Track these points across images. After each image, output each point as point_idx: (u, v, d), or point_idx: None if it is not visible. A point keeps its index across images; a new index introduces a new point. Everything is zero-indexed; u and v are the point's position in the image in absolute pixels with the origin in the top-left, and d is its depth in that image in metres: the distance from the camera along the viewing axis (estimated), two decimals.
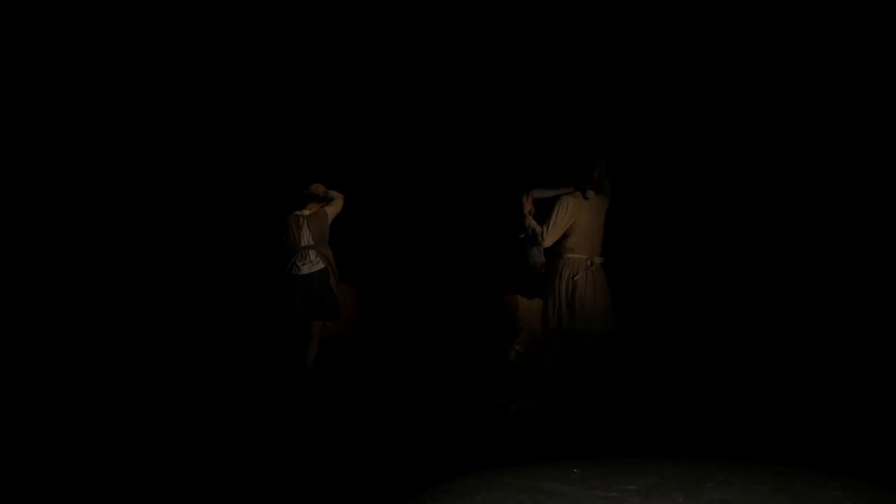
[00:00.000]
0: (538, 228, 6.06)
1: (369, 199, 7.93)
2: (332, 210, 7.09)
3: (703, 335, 7.10)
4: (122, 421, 6.12)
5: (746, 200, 7.44)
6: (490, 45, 8.02)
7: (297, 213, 7.10)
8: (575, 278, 5.98)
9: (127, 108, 8.19)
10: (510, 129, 8.11)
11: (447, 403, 6.62)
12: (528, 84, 8.08)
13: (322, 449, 5.38)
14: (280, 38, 8.10)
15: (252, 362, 7.62)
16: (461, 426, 5.95)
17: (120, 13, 7.80)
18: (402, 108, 8.33)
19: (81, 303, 7.95)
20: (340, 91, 8.26)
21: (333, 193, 7.13)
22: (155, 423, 6.07)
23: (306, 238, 6.99)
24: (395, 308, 8.25)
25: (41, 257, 7.93)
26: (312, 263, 6.95)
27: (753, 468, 4.61)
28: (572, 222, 6.02)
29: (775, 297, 7.13)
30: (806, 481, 4.37)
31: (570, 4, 7.64)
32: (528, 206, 6.20)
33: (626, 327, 6.41)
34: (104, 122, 8.16)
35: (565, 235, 6.04)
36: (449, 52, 8.09)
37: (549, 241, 6.03)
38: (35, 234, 7.89)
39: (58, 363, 7.51)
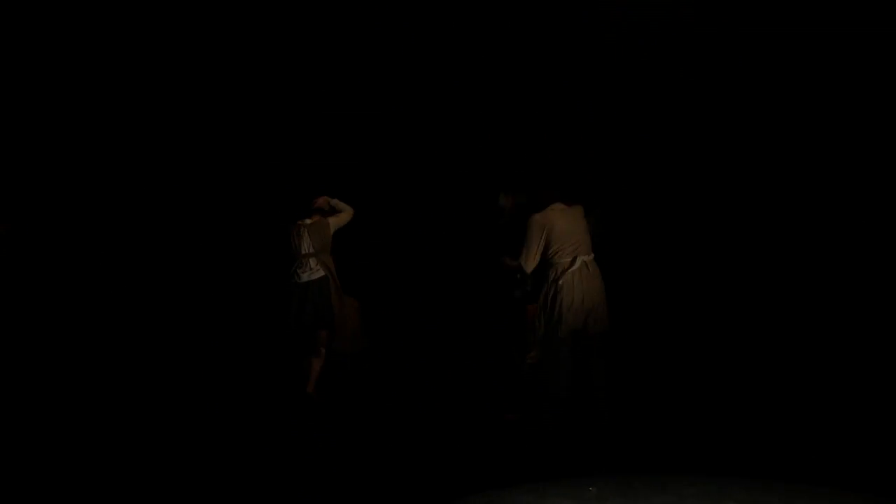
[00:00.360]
0: (516, 264, 5.88)
1: (373, 204, 7.72)
2: (336, 221, 6.96)
3: (724, 344, 6.85)
4: (125, 428, 5.99)
5: (746, 201, 7.24)
6: (489, 46, 7.84)
7: (300, 222, 6.98)
8: (559, 282, 5.73)
9: (127, 111, 8.00)
10: (511, 130, 7.89)
11: (456, 419, 6.33)
12: (528, 84, 7.87)
13: (326, 466, 5.13)
14: (280, 39, 7.92)
15: (256, 372, 7.43)
16: (470, 442, 5.66)
17: (120, 13, 7.66)
18: (402, 108, 8.13)
19: (83, 307, 7.75)
20: (340, 91, 8.07)
21: (342, 206, 7.00)
22: (159, 436, 5.86)
23: (307, 246, 6.87)
24: (403, 319, 8.00)
25: (43, 262, 7.70)
26: (312, 271, 6.83)
27: (775, 486, 4.36)
28: (547, 233, 5.78)
29: (798, 304, 6.88)
30: (829, 500, 4.15)
31: (571, 5, 7.49)
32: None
33: (640, 335, 6.22)
34: (105, 124, 7.98)
35: (547, 245, 5.80)
36: (449, 52, 7.90)
37: (529, 265, 5.83)
38: (37, 239, 7.66)
39: (58, 365, 7.35)
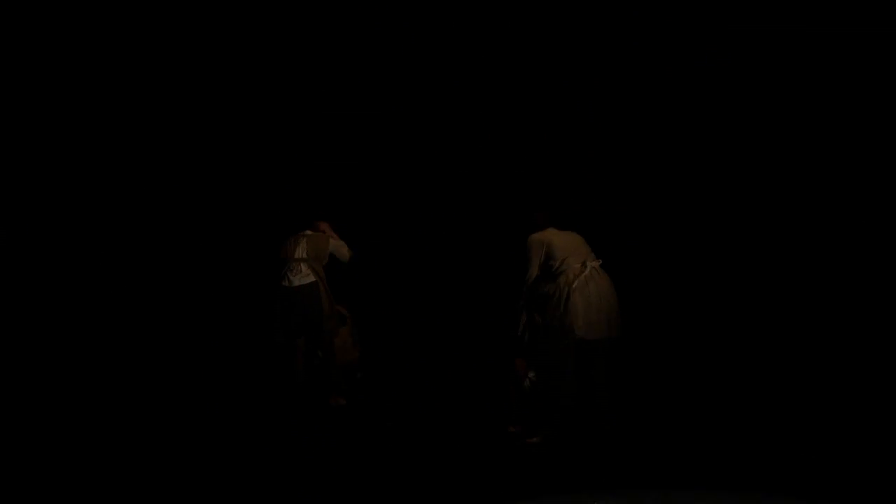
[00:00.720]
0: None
1: (371, 206, 7.66)
2: (336, 244, 6.91)
3: (734, 356, 6.63)
4: (123, 429, 5.92)
5: (746, 206, 7.07)
6: (490, 46, 7.66)
7: (301, 232, 6.91)
8: (573, 286, 5.60)
9: (125, 112, 7.83)
10: (511, 130, 7.74)
11: (455, 432, 6.12)
12: (528, 84, 7.71)
13: (325, 482, 4.93)
14: (280, 39, 7.76)
15: (247, 376, 7.24)
16: (470, 455, 5.47)
17: (120, 13, 7.52)
18: (401, 108, 7.94)
19: (80, 309, 7.58)
20: (340, 91, 7.89)
21: (341, 243, 6.98)
22: (156, 438, 5.75)
23: (301, 251, 6.76)
24: (400, 328, 7.80)
25: (39, 264, 7.60)
26: (303, 275, 6.69)
27: (784, 502, 4.16)
28: (547, 247, 5.76)
29: (806, 314, 6.67)
30: None
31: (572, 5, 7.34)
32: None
33: (648, 343, 6.05)
34: (102, 125, 7.81)
35: (551, 257, 5.72)
36: (449, 52, 7.72)
37: (531, 276, 5.78)
38: (33, 241, 7.59)
39: (55, 367, 7.19)
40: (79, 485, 4.55)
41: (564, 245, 5.73)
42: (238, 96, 7.88)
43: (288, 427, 6.19)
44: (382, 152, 8.01)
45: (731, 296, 6.89)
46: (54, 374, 7.04)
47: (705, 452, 5.28)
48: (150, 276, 7.84)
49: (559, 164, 7.35)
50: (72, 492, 4.46)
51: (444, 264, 7.77)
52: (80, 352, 7.32)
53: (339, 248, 6.90)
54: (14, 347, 7.04)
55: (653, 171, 7.29)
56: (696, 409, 6.16)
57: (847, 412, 5.85)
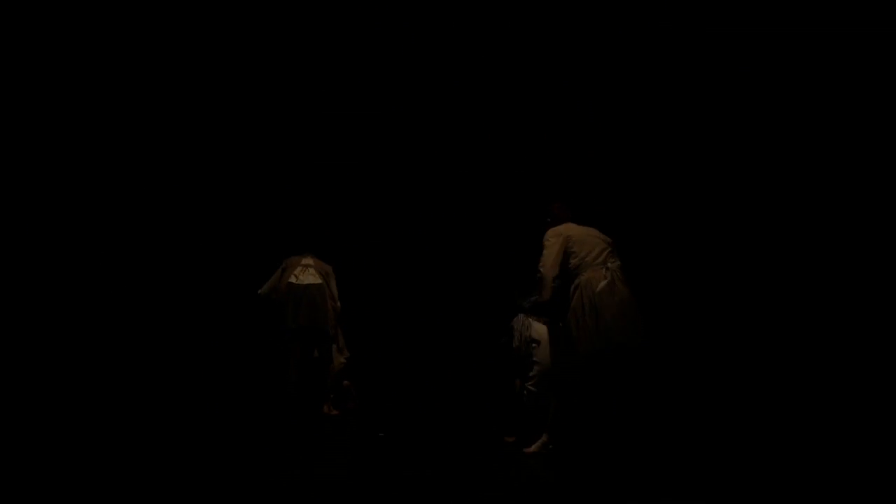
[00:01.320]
0: (532, 300, 5.71)
1: (370, 207, 7.61)
2: (334, 286, 6.90)
3: (743, 365, 6.45)
4: (123, 429, 5.92)
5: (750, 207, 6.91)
6: (489, 44, 7.55)
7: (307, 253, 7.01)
8: (596, 290, 5.33)
9: (125, 112, 7.72)
10: (511, 131, 7.62)
11: (451, 442, 6.00)
12: (528, 84, 7.60)
13: (316, 492, 4.78)
14: (280, 38, 7.63)
15: (248, 376, 7.20)
16: (466, 466, 5.31)
17: (120, 13, 7.41)
18: (401, 108, 7.86)
19: (77, 308, 7.46)
20: (340, 91, 7.80)
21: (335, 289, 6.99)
22: (156, 439, 5.70)
23: (309, 260, 6.91)
24: (394, 335, 7.68)
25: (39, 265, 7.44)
26: (312, 276, 6.81)
27: None
28: (566, 242, 5.47)
29: (817, 325, 6.47)
30: None
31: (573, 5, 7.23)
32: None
33: (657, 352, 5.84)
34: (103, 124, 7.70)
35: (572, 255, 5.44)
36: (449, 52, 7.60)
37: (549, 271, 5.43)
38: (32, 239, 7.42)
39: (53, 368, 7.09)
40: (77, 485, 4.51)
41: (584, 241, 5.45)
42: (238, 96, 7.78)
43: (279, 435, 6.13)
44: (381, 153, 7.92)
45: (737, 305, 6.74)
46: (50, 375, 6.93)
47: (708, 466, 5.14)
48: (148, 279, 7.75)
49: (560, 166, 7.22)
50: (71, 492, 4.41)
51: (441, 269, 7.69)
52: (78, 354, 7.21)
53: (334, 296, 6.89)
54: (14, 348, 6.91)
55: (653, 171, 7.18)
56: (700, 421, 6.02)
57: (858, 428, 5.66)
